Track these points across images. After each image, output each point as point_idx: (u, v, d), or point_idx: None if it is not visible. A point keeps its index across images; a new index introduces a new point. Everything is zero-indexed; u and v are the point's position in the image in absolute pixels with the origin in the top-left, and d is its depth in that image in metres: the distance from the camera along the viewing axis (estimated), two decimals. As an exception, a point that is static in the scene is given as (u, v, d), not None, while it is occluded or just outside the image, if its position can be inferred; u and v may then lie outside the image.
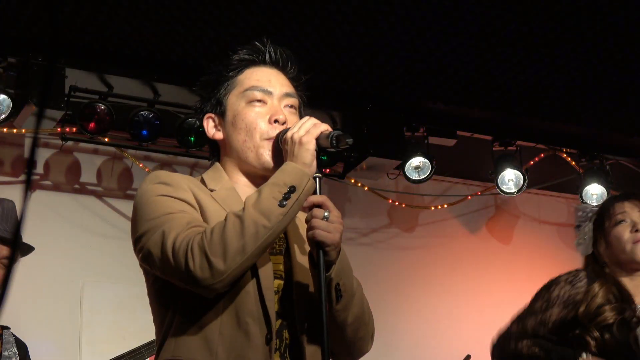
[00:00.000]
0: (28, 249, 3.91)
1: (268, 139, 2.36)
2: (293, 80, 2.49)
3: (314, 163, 2.24)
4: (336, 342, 2.31)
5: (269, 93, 2.41)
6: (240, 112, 2.40)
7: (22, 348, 3.97)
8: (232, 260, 2.13)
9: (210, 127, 2.46)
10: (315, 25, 4.92)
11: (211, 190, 2.37)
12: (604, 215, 3.34)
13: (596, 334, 3.11)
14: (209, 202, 2.32)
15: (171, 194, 2.28)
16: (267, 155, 2.36)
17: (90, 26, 4.91)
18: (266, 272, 2.27)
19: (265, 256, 2.27)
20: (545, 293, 3.27)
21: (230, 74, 2.45)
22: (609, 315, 3.10)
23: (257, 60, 2.47)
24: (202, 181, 2.41)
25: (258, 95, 2.40)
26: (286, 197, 2.17)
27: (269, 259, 2.29)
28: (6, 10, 4.72)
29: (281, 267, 2.34)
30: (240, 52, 2.47)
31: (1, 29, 4.91)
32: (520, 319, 3.32)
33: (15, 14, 4.75)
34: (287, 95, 2.44)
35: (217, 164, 2.46)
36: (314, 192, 2.25)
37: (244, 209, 2.17)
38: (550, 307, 3.22)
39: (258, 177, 2.41)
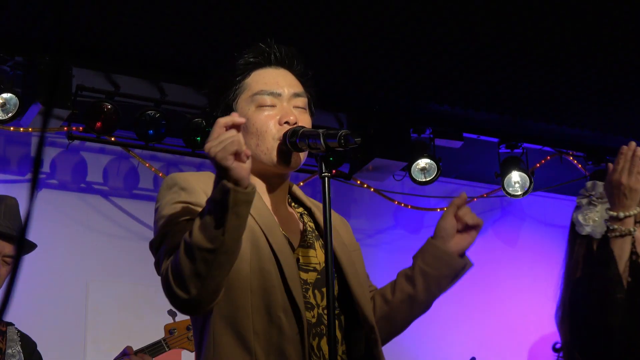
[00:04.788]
0: (30, 247, 3.91)
1: (279, 140, 2.37)
2: (300, 77, 2.50)
3: (237, 174, 2.09)
4: (401, 325, 2.51)
5: (278, 95, 2.41)
6: (250, 116, 2.39)
7: (29, 345, 3.93)
8: (192, 288, 2.13)
9: None
10: (321, 26, 4.92)
11: None
12: None
13: None
14: None
15: (184, 199, 2.29)
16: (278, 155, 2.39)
17: (97, 26, 4.91)
18: (289, 263, 2.28)
19: (287, 249, 2.29)
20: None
21: (237, 78, 2.45)
22: None
23: (263, 62, 2.47)
24: None
25: (267, 100, 2.40)
26: (221, 217, 2.08)
27: (291, 252, 2.31)
28: (13, 9, 4.73)
29: (314, 259, 2.37)
30: (245, 55, 2.47)
31: (8, 27, 4.92)
32: None
33: (22, 13, 4.76)
34: (296, 95, 2.44)
35: None
36: (325, 191, 2.24)
37: (191, 232, 2.13)
38: None
39: (272, 177, 2.43)
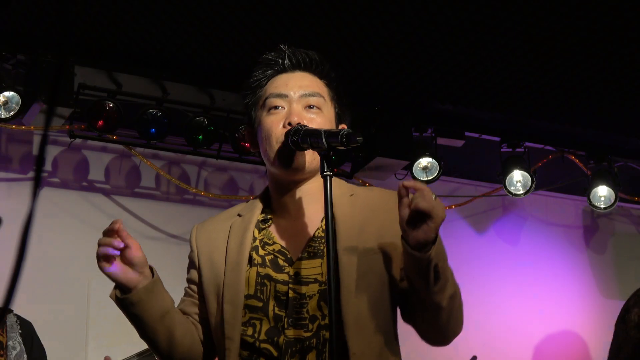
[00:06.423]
0: None
1: (281, 143, 2.37)
2: (324, 77, 2.51)
3: (115, 280, 2.43)
4: (430, 326, 2.37)
5: (285, 96, 2.41)
6: (261, 122, 2.43)
7: (28, 332, 3.90)
8: (157, 355, 2.45)
9: (248, 140, 2.57)
10: (324, 25, 4.92)
11: (239, 215, 2.47)
12: None
13: None
14: (221, 236, 2.44)
15: (187, 276, 2.52)
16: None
17: (99, 24, 4.92)
18: (230, 314, 2.33)
19: (239, 295, 2.33)
20: (621, 324, 3.14)
21: (254, 87, 2.48)
22: None
23: (278, 70, 2.49)
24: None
25: (274, 102, 2.41)
26: None
27: (241, 299, 2.33)
28: (16, 7, 4.73)
29: (316, 270, 2.31)
30: (260, 65, 2.49)
31: (10, 26, 4.92)
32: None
33: (25, 11, 4.76)
34: (306, 95, 2.44)
35: (267, 187, 2.51)
36: (328, 189, 2.21)
37: None
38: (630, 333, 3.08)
39: (284, 186, 2.43)
